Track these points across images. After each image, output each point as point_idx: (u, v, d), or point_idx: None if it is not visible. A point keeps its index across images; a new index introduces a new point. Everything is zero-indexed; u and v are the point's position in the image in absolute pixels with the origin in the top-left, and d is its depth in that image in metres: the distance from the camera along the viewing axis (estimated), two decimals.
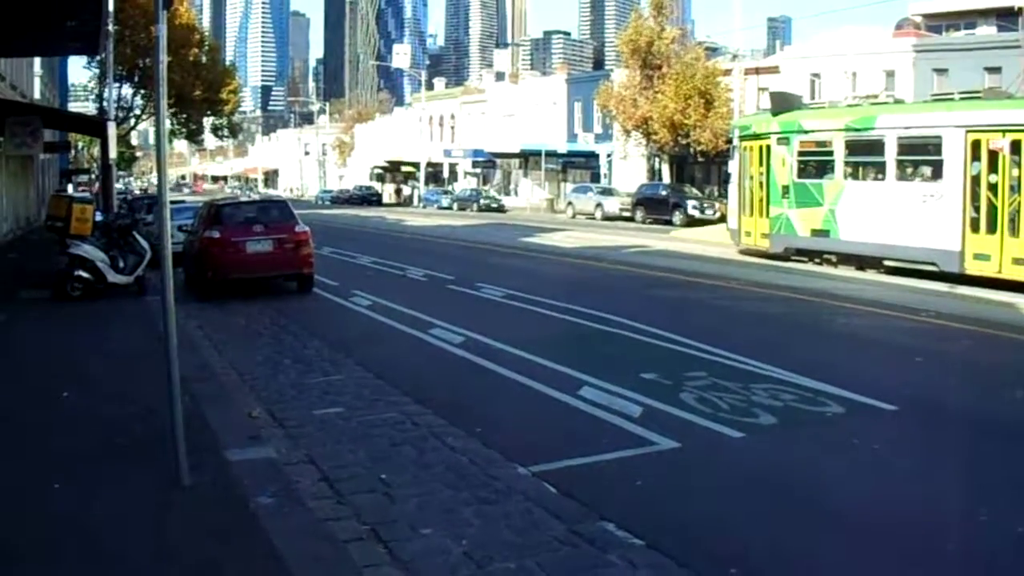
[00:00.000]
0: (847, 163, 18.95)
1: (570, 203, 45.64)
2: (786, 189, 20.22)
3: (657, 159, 44.66)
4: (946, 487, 5.90)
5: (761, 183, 21.22)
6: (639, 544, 4.86)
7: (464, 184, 62.97)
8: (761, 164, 21.21)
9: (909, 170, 18.05)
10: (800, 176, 20.02)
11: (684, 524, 5.23)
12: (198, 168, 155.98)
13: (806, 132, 19.90)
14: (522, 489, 5.69)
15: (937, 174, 17.02)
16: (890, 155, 17.80)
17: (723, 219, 34.29)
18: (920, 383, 8.78)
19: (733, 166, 22.90)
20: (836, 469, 6.29)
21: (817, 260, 19.53)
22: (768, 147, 20.86)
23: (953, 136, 16.49)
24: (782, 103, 21.49)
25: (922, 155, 17.75)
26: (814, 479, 6.11)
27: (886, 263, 17.96)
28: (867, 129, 18.47)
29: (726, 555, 4.77)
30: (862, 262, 18.48)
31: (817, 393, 7.95)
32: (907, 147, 17.76)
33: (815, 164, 20.02)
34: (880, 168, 18.27)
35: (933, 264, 16.86)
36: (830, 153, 19.25)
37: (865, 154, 18.77)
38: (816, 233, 19.49)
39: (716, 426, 7.02)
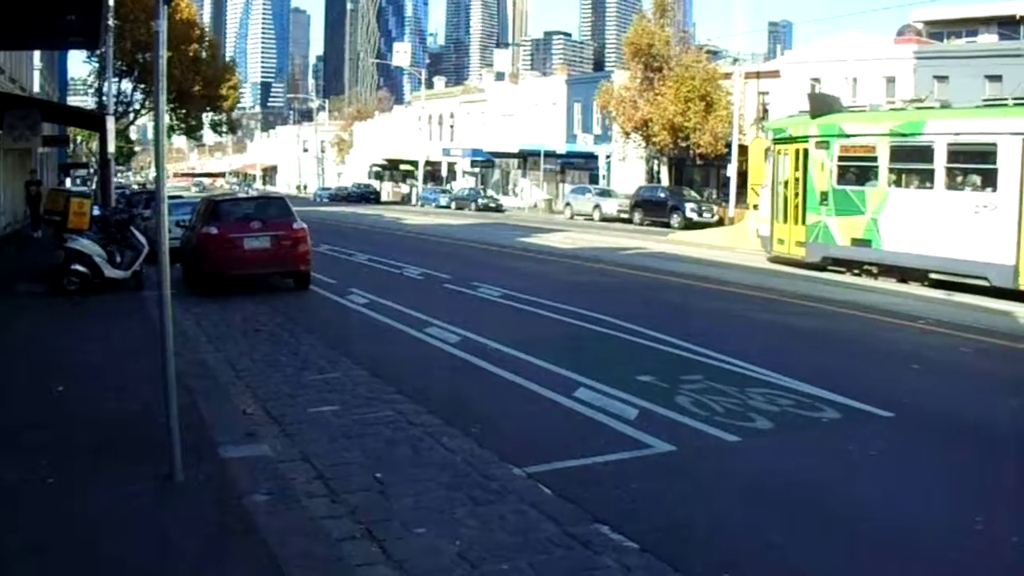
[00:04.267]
0: (892, 169, 17.98)
1: (568, 204, 45.66)
2: (825, 196, 19.22)
3: (656, 161, 44.70)
4: (941, 495, 5.91)
5: (797, 188, 20.27)
6: (633, 547, 4.85)
7: (462, 183, 62.98)
8: (797, 168, 20.22)
9: (960, 178, 17.06)
10: (840, 182, 19.00)
11: (679, 527, 5.22)
12: (197, 164, 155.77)
13: (847, 136, 18.87)
14: (517, 490, 5.69)
15: (991, 183, 16.05)
16: (939, 162, 16.80)
17: (721, 222, 34.43)
18: (917, 390, 8.78)
19: (767, 170, 21.86)
20: (831, 475, 6.29)
21: (856, 271, 18.57)
22: (805, 151, 19.85)
23: (1009, 144, 15.62)
24: (821, 105, 20.45)
25: (974, 163, 16.79)
26: (809, 484, 6.11)
27: (932, 276, 16.94)
28: (915, 134, 17.42)
29: (720, 559, 4.76)
30: (905, 274, 17.50)
31: (814, 399, 7.95)
32: (958, 154, 16.80)
33: (857, 170, 19.00)
34: (928, 176, 17.23)
35: (984, 279, 15.91)
36: (873, 159, 18.26)
37: (912, 160, 17.82)
38: (857, 243, 18.46)
39: (712, 430, 7.01)
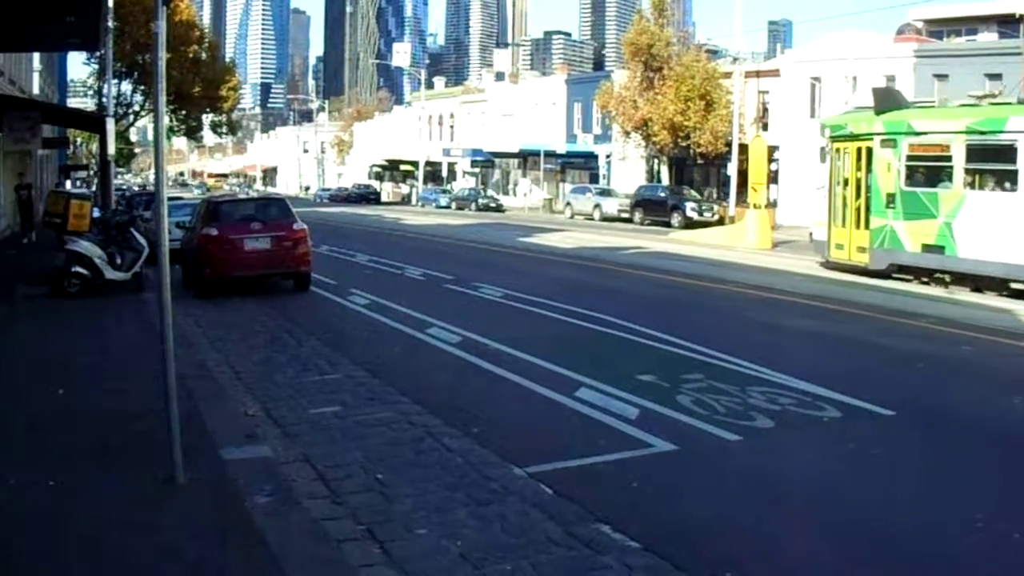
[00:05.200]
0: (968, 170, 16.68)
1: (568, 204, 45.65)
2: (892, 198, 17.80)
3: (656, 161, 44.69)
4: (943, 492, 5.90)
5: (859, 190, 18.83)
6: (635, 547, 4.85)
7: (463, 184, 62.97)
8: (859, 169, 18.83)
9: None
10: (909, 183, 17.59)
11: (680, 527, 5.22)
12: (197, 165, 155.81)
13: (917, 134, 17.50)
14: (518, 490, 5.68)
15: None
16: (1023, 163, 15.67)
17: (722, 221, 34.37)
18: (918, 388, 8.78)
19: (824, 170, 20.40)
20: (832, 473, 6.29)
21: (925, 279, 17.14)
22: (869, 149, 18.46)
23: None
24: (887, 100, 18.96)
25: None
26: (810, 483, 6.10)
27: (1012, 286, 15.70)
28: (995, 132, 16.21)
29: (722, 558, 4.76)
30: (980, 283, 16.21)
31: (815, 397, 7.94)
32: None
33: (928, 170, 17.68)
34: (1010, 177, 16.01)
35: None
36: (947, 158, 16.96)
37: (991, 161, 16.65)
38: (928, 248, 17.05)
39: (713, 429, 7.01)
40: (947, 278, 16.81)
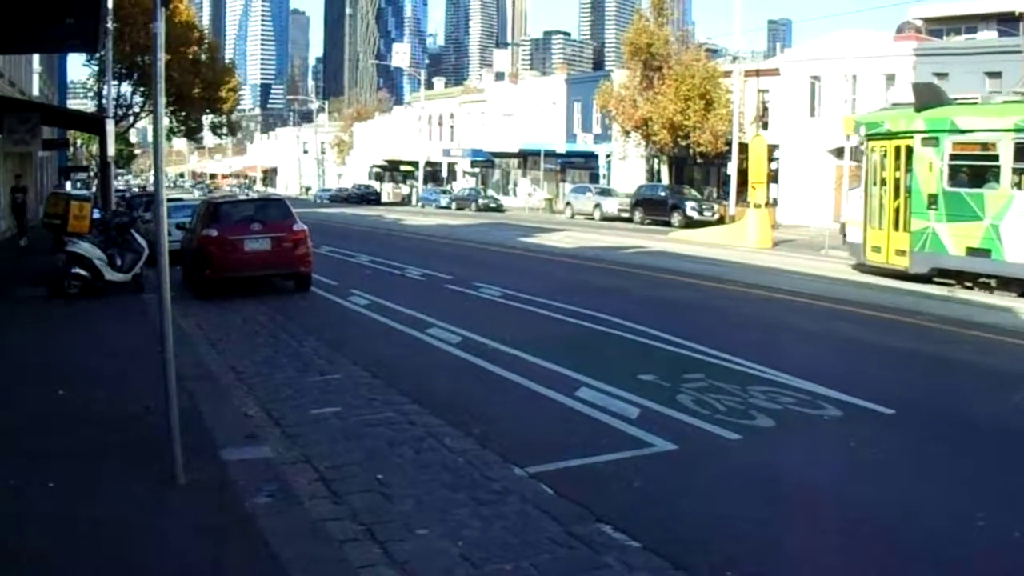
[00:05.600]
0: (1016, 170, 15.94)
1: (568, 203, 45.64)
2: (933, 199, 16.93)
3: (656, 160, 44.70)
4: (943, 491, 5.90)
5: (897, 190, 17.96)
6: (636, 546, 4.85)
7: (463, 184, 62.98)
8: (898, 168, 17.97)
9: None
10: (953, 184, 16.77)
11: (681, 526, 5.21)
12: (197, 166, 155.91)
13: (961, 132, 16.72)
14: (519, 490, 5.68)
15: None
16: None
17: (722, 220, 34.37)
18: (919, 387, 8.78)
19: (860, 169, 19.43)
20: (833, 472, 6.28)
21: (969, 284, 16.40)
22: (909, 148, 17.57)
23: None
24: (928, 96, 18.05)
25: None
26: (811, 482, 6.10)
27: None
28: None
29: (723, 558, 4.76)
30: None
31: (815, 396, 7.94)
32: None
33: (974, 170, 16.95)
34: None
35: None
36: (994, 157, 16.22)
37: None
38: (973, 252, 16.29)
39: (713, 428, 7.01)
40: (992, 283, 16.12)
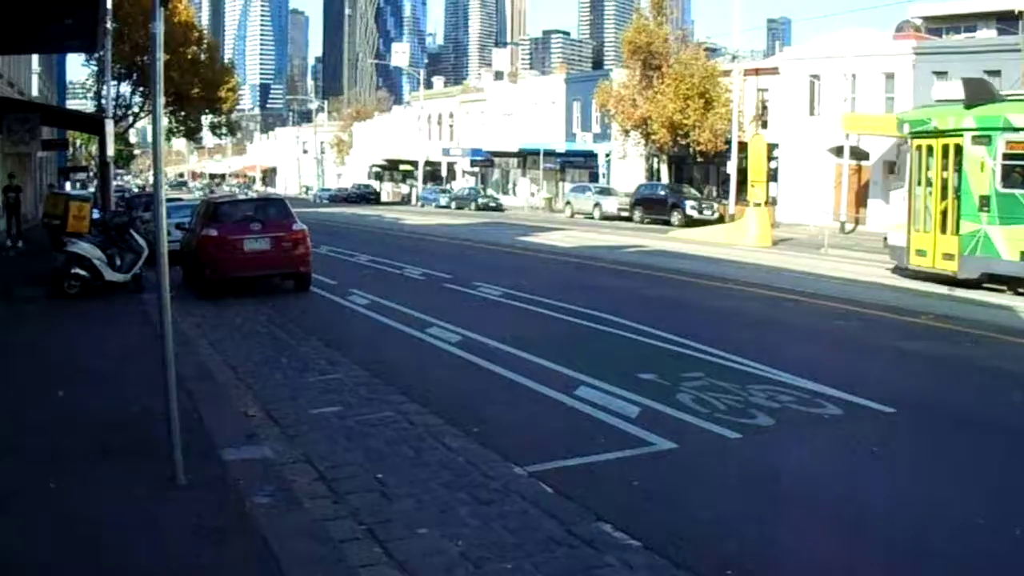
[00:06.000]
0: None
1: (568, 203, 45.65)
2: (986, 200, 16.10)
3: (656, 159, 44.68)
4: (943, 489, 5.90)
5: (945, 191, 17.08)
6: (636, 545, 4.85)
7: (462, 183, 62.96)
8: (946, 168, 17.07)
9: None
10: (1007, 184, 15.96)
11: (681, 525, 5.21)
12: (196, 166, 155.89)
13: (1016, 129, 15.93)
14: (519, 489, 5.68)
15: None
16: None
17: (722, 219, 34.36)
18: (919, 385, 8.78)
19: (903, 168, 18.58)
20: (833, 470, 6.28)
21: (1021, 290, 15.63)
22: (958, 147, 16.70)
23: None
24: (980, 92, 17.22)
25: None
26: (811, 480, 6.11)
27: None
28: None
29: (723, 556, 4.76)
30: None
31: (815, 394, 7.94)
32: None
33: None
34: None
35: None
36: None
37: None
38: None
39: (713, 427, 7.01)
40: None
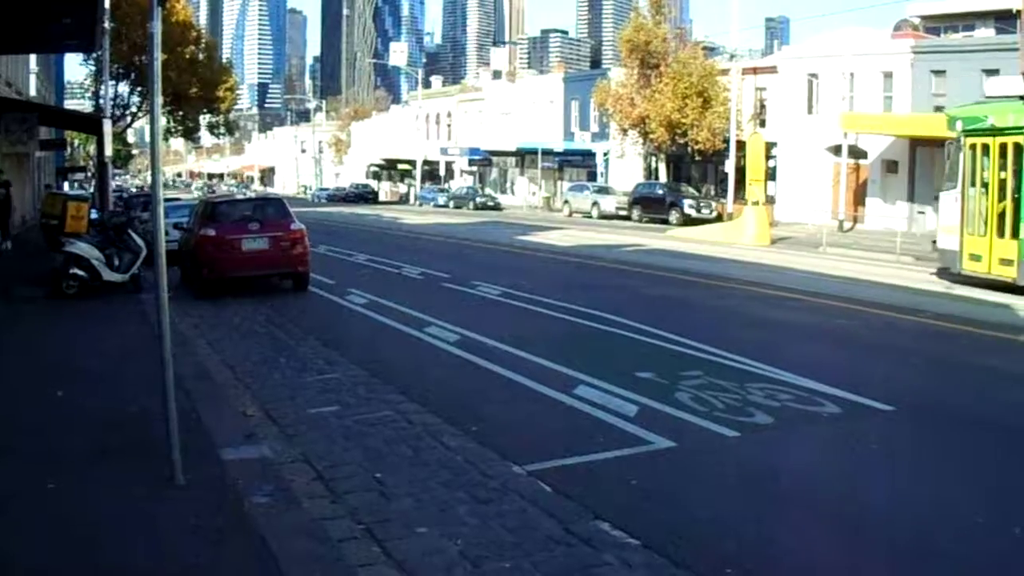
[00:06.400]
0: None
1: (566, 202, 45.65)
2: None
3: (654, 158, 44.67)
4: (943, 488, 5.90)
5: (1003, 193, 16.02)
6: (634, 544, 4.85)
7: (460, 182, 62.95)
8: (1004, 168, 16.06)
9: None
10: None
11: (680, 524, 5.21)
12: (194, 166, 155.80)
13: None
14: (517, 488, 5.68)
15: None
16: None
17: (720, 218, 34.38)
18: (917, 384, 8.78)
19: (955, 168, 17.48)
20: (832, 469, 6.28)
21: None
22: (1018, 145, 15.73)
23: None
24: None
25: None
26: (810, 479, 6.11)
27: None
28: None
29: (722, 555, 4.76)
30: None
31: (813, 393, 7.94)
32: None
33: None
34: None
35: None
36: None
37: None
38: None
39: (712, 425, 7.01)
40: None
